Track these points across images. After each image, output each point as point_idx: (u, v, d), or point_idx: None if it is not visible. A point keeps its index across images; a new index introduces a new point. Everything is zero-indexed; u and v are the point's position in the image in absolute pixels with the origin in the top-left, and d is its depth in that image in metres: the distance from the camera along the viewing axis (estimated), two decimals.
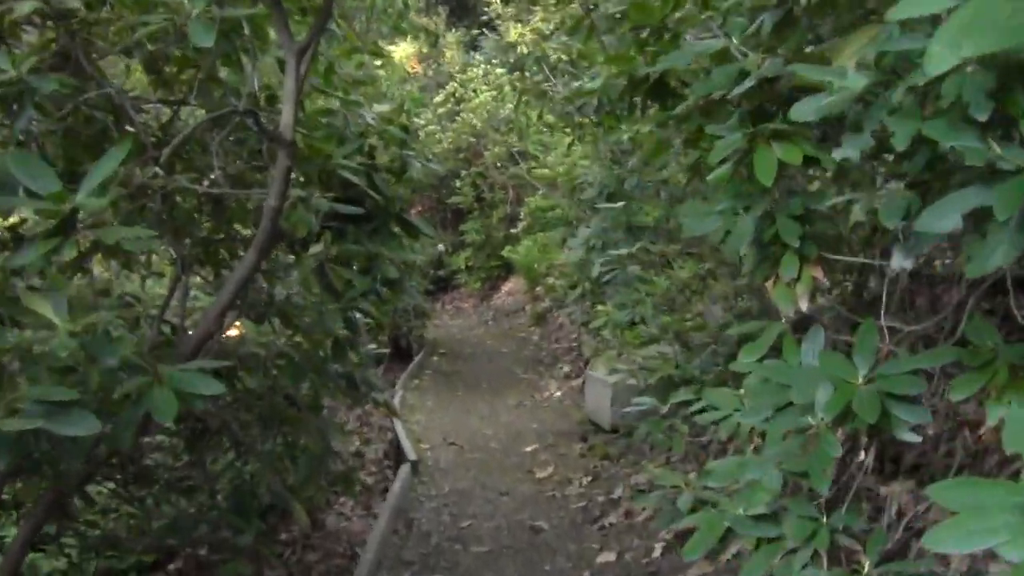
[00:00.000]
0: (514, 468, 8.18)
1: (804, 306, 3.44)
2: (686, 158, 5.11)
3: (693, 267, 5.69)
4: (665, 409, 4.85)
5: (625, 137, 10.35)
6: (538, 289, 18.58)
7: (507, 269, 20.70)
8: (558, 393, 11.06)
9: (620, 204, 7.56)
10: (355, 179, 5.07)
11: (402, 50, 23.46)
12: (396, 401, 11.15)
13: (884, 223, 2.93)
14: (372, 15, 10.39)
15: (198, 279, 5.46)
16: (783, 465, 3.20)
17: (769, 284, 3.59)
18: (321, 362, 5.75)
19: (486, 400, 11.24)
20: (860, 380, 3.06)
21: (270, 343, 5.45)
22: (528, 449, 8.67)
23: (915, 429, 2.98)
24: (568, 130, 12.98)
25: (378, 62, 14.12)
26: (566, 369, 12.01)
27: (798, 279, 3.44)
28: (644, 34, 4.50)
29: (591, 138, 12.94)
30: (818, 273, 3.44)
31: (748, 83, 3.33)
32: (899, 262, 3.24)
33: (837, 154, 3.01)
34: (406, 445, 8.48)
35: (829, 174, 3.89)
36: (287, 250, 5.51)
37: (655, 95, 4.51)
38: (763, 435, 3.41)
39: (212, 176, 4.68)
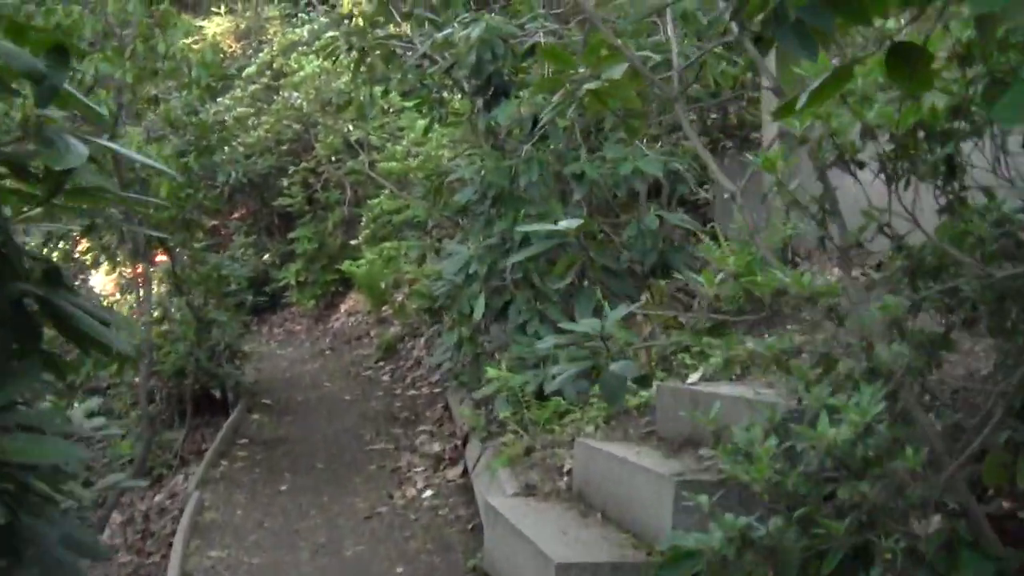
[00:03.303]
0: None
1: None
2: None
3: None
4: None
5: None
6: (385, 309, 15.08)
7: (346, 284, 17.09)
8: (428, 492, 7.53)
9: (572, 223, 3.91)
10: None
11: (215, 24, 19.56)
12: (188, 511, 7.46)
13: None
14: None
15: None
16: None
17: None
18: None
19: (323, 505, 7.64)
20: None
21: None
22: None
23: None
24: (424, 109, 9.49)
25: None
26: (436, 447, 8.50)
27: None
28: None
29: (457, 117, 9.50)
30: None
31: None
32: None
33: None
34: None
35: None
36: None
37: None
38: None
39: None
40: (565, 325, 3.33)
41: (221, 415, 11.27)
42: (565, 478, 5.57)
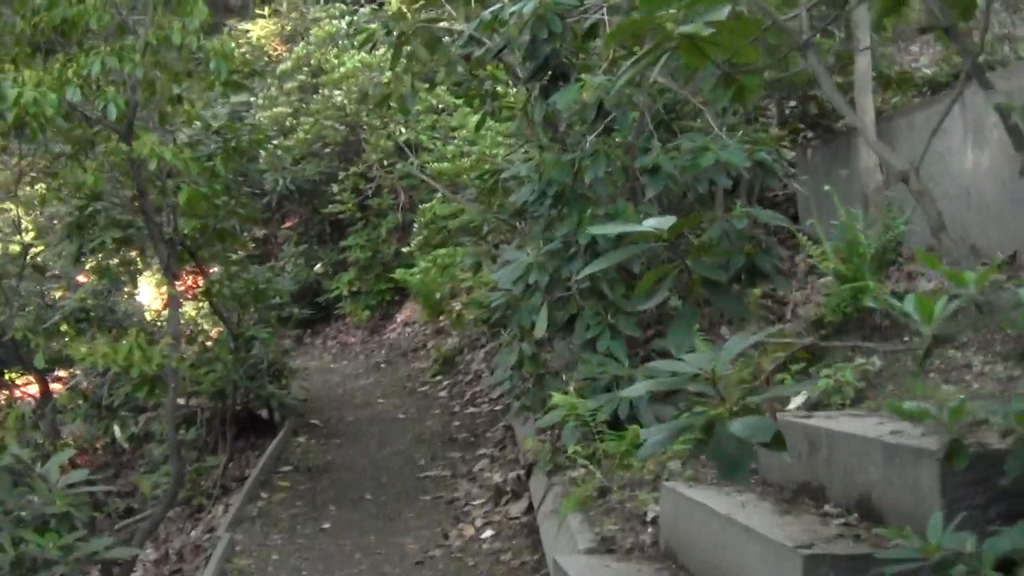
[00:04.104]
0: None
1: None
2: None
3: None
4: None
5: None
6: (442, 319, 14.26)
7: (401, 293, 16.31)
8: (488, 531, 6.63)
9: (663, 222, 2.88)
10: None
11: (260, 28, 18.89)
12: (216, 557, 6.63)
13: None
14: None
15: None
16: None
17: None
18: None
19: (369, 547, 6.77)
20: None
21: None
22: None
23: None
24: (476, 104, 8.61)
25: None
26: (497, 477, 7.60)
27: None
28: None
29: (510, 111, 8.61)
30: None
31: None
32: None
33: None
34: None
35: None
36: None
37: None
38: None
39: None
40: (661, 365, 2.42)
41: (268, 436, 10.50)
42: (649, 529, 4.65)
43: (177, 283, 8.99)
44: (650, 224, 2.69)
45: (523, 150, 7.89)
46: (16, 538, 4.78)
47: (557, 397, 5.88)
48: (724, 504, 3.91)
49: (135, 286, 11.24)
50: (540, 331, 6.38)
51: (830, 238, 6.26)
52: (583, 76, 6.30)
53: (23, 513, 4.86)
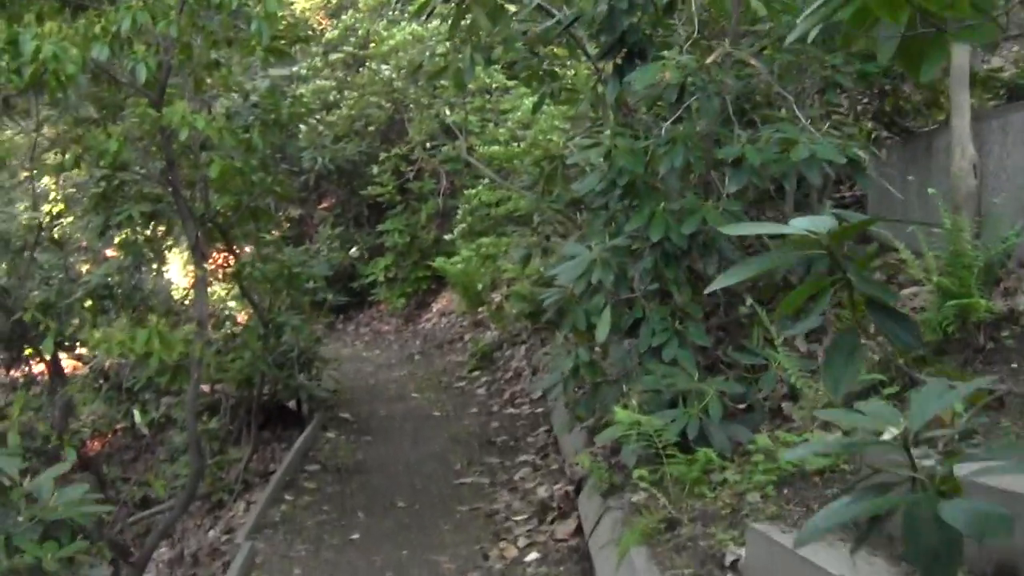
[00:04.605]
0: None
1: None
2: None
3: None
4: None
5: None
6: (481, 310, 13.63)
7: (438, 281, 15.71)
8: (532, 553, 5.99)
9: (821, 223, 2.24)
10: None
11: (304, 0, 18.29)
12: (235, 569, 6.04)
13: None
14: None
15: None
16: None
17: None
18: None
19: (402, 564, 6.10)
20: None
21: None
22: None
23: None
24: (534, 85, 7.96)
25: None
26: (541, 491, 6.97)
27: None
28: None
29: (572, 93, 7.95)
30: None
31: None
32: None
33: None
34: None
35: None
36: None
37: None
38: None
39: None
40: (828, 413, 1.79)
41: (295, 429, 9.94)
42: (728, 574, 4.01)
43: (207, 262, 8.42)
44: (801, 225, 2.05)
45: (593, 132, 7.25)
46: (12, 548, 4.23)
47: (620, 412, 5.24)
48: (829, 559, 3.27)
49: (163, 263, 10.64)
50: (602, 335, 5.73)
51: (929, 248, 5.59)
52: (664, 54, 5.65)
53: (19, 518, 4.31)
